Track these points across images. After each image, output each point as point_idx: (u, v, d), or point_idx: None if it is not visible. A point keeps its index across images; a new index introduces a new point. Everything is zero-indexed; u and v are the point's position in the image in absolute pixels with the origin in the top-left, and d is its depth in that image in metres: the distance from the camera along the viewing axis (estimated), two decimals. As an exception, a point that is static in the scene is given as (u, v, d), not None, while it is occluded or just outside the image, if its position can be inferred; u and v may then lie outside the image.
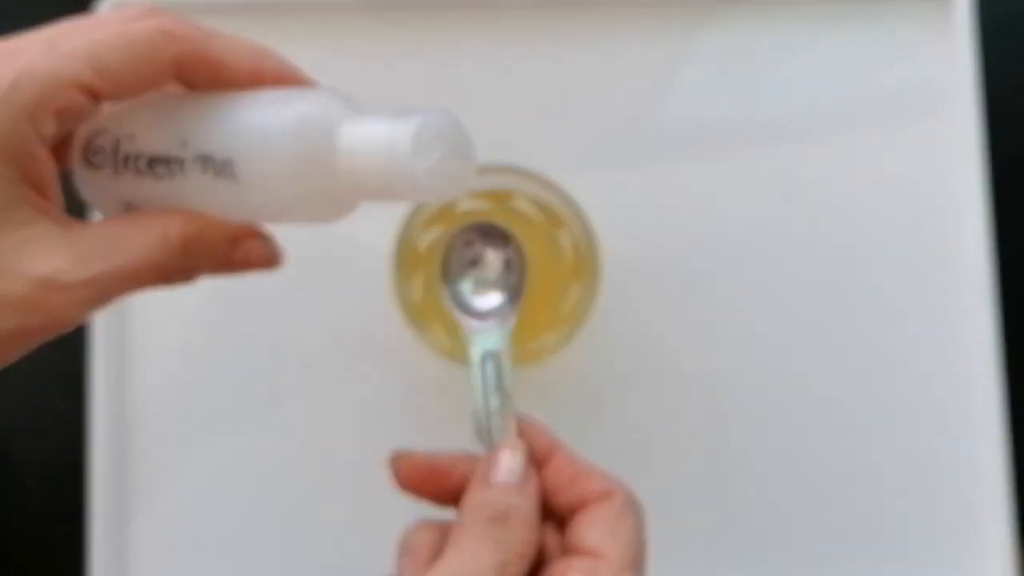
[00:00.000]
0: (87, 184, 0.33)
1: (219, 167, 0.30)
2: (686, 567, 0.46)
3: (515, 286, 0.36)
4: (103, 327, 0.47)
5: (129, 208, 0.32)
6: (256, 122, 0.30)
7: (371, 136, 0.29)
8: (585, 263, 0.44)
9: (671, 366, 0.48)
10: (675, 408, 0.48)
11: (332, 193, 0.30)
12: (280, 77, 0.32)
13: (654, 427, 0.47)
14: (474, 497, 0.32)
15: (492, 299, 0.35)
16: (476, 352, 0.34)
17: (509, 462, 0.32)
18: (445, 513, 0.34)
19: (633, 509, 0.32)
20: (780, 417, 0.48)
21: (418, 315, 0.44)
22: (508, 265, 0.35)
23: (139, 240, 0.30)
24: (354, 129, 0.29)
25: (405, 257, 0.43)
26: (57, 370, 0.48)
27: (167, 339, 0.48)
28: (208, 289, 0.48)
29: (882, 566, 0.47)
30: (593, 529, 0.31)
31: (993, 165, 0.48)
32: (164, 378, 0.48)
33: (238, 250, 0.31)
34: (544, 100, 0.49)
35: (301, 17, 0.49)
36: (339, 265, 0.48)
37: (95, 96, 0.29)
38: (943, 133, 0.48)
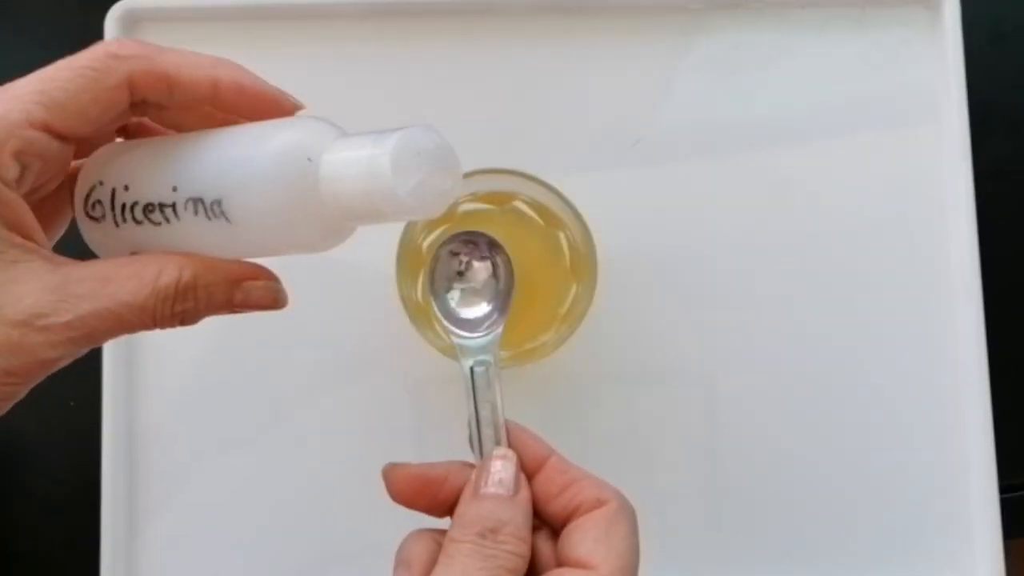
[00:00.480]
0: (92, 237, 0.33)
1: (209, 208, 0.30)
2: (680, 564, 0.47)
3: (502, 295, 0.35)
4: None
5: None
6: (239, 159, 0.30)
7: (351, 162, 0.29)
8: (583, 263, 0.44)
9: (667, 365, 0.48)
10: (671, 406, 0.48)
11: (322, 222, 0.30)
12: (238, 86, 0.31)
13: (650, 425, 0.48)
14: (465, 510, 0.31)
15: (479, 309, 0.35)
16: (465, 363, 0.34)
17: (499, 473, 0.32)
18: (443, 523, 0.33)
19: (626, 517, 0.32)
20: (774, 416, 0.48)
21: (419, 314, 0.44)
22: (495, 274, 0.35)
23: (129, 283, 0.29)
24: (335, 156, 0.29)
25: (408, 258, 0.44)
26: (71, 367, 0.48)
27: (176, 336, 0.47)
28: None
29: (874, 565, 0.47)
30: (585, 539, 0.31)
31: (980, 168, 0.48)
32: (173, 373, 0.48)
33: (238, 292, 0.31)
34: (543, 104, 0.49)
35: (301, 24, 0.49)
36: (346, 269, 0.48)
37: (53, 132, 0.29)
38: (932, 136, 0.49)
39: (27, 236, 0.29)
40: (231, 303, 0.31)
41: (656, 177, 0.49)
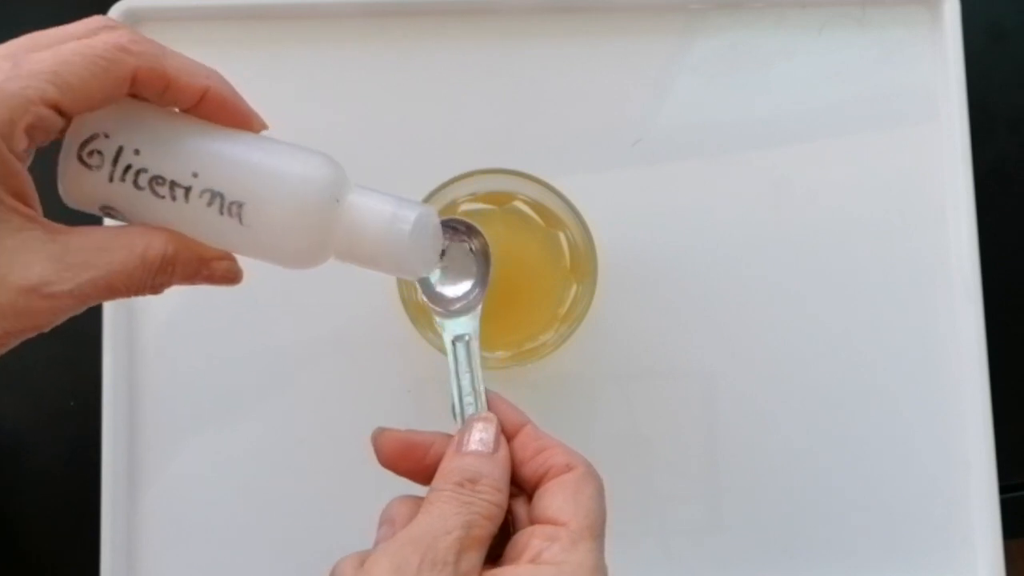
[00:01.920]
0: (73, 180, 0.33)
1: (228, 206, 0.32)
2: (681, 564, 0.47)
3: (480, 274, 0.38)
4: (112, 322, 0.47)
5: (105, 210, 0.33)
6: (271, 174, 0.32)
7: (377, 211, 0.33)
8: (583, 263, 0.44)
9: (667, 365, 0.48)
10: (671, 406, 0.48)
11: (320, 249, 0.33)
12: (222, 100, 0.33)
13: (650, 425, 0.48)
14: (447, 464, 0.34)
15: (459, 288, 0.38)
16: (448, 337, 0.37)
17: (481, 433, 0.34)
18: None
19: (592, 480, 0.34)
20: (774, 416, 0.48)
21: (419, 314, 0.44)
22: (474, 255, 0.37)
23: (122, 254, 0.31)
24: (363, 201, 0.33)
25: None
26: (71, 368, 0.49)
27: (175, 335, 0.48)
28: (216, 287, 0.49)
29: (874, 565, 0.47)
30: (555, 499, 0.33)
31: (980, 167, 0.48)
32: (173, 373, 0.48)
33: (204, 269, 0.33)
34: (542, 103, 0.49)
35: (300, 23, 0.49)
36: (347, 270, 0.47)
37: (60, 110, 0.30)
38: (932, 136, 0.49)
39: (29, 205, 0.31)
40: (197, 276, 0.33)
41: (656, 177, 0.49)
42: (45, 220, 0.31)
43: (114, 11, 0.48)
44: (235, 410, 0.48)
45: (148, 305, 0.48)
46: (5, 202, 0.30)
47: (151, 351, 0.48)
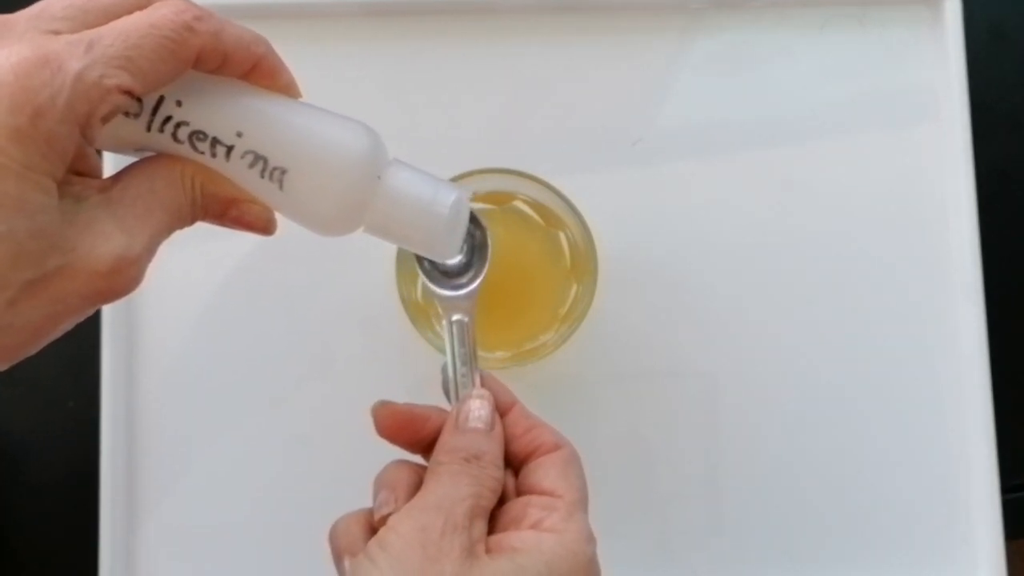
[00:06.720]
0: (107, 126, 0.31)
1: (270, 171, 0.31)
2: (681, 564, 0.47)
3: (479, 258, 0.38)
4: (111, 322, 0.47)
5: (139, 152, 0.32)
6: (320, 146, 0.31)
7: (416, 192, 0.32)
8: (583, 263, 0.44)
9: (667, 366, 0.48)
10: (671, 407, 0.48)
11: (354, 223, 0.32)
12: (271, 71, 0.32)
13: (650, 425, 0.48)
14: (448, 440, 0.35)
15: (457, 267, 0.38)
16: (445, 317, 0.38)
17: (478, 410, 0.36)
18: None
19: (577, 459, 0.36)
20: (774, 416, 0.48)
21: (419, 314, 0.44)
22: (472, 242, 0.38)
23: (170, 196, 0.31)
24: (403, 179, 0.32)
25: (407, 258, 0.44)
26: (70, 367, 0.48)
27: (175, 336, 0.48)
28: (216, 286, 0.49)
29: (875, 565, 0.47)
30: (548, 474, 0.35)
31: (981, 167, 0.48)
32: (172, 374, 0.48)
33: (234, 209, 0.32)
34: (543, 104, 0.50)
35: (300, 23, 0.50)
36: (347, 269, 0.48)
37: (131, 95, 0.30)
38: (933, 136, 0.49)
39: (95, 175, 0.31)
40: (226, 217, 0.33)
41: (656, 177, 0.49)
42: (100, 184, 0.31)
43: None
44: (234, 410, 0.48)
45: (148, 304, 0.48)
46: (79, 185, 0.29)
47: (151, 351, 0.48)
